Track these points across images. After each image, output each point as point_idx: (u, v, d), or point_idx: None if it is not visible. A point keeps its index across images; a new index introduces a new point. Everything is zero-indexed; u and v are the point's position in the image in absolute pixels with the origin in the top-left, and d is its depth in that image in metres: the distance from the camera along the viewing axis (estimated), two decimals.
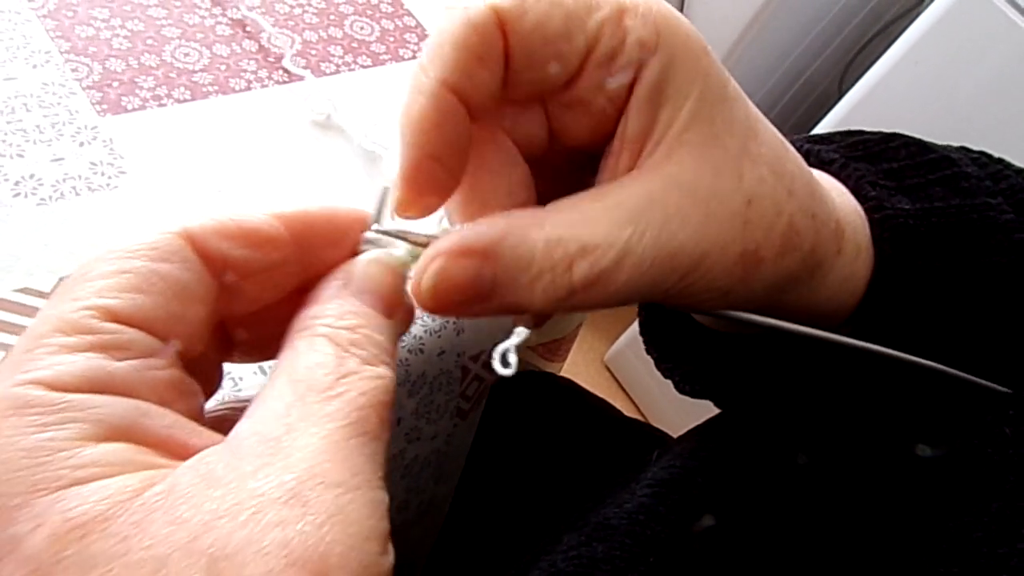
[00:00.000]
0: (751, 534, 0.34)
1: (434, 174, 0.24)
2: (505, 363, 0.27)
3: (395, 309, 0.23)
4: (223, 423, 0.24)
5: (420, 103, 0.23)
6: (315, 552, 0.16)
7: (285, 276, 0.24)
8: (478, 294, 0.23)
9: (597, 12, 0.23)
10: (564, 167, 0.28)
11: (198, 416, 0.21)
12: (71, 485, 0.17)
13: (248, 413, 0.20)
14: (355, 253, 0.25)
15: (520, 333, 0.27)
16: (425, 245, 0.24)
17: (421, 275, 0.23)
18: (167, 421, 0.19)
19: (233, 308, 0.23)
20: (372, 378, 0.20)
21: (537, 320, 0.30)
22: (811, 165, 0.32)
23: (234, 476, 0.17)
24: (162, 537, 0.16)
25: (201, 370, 0.23)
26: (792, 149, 0.27)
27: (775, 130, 0.27)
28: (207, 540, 0.16)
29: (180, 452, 0.19)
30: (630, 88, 0.24)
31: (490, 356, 0.32)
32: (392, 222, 0.26)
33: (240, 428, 0.19)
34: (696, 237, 0.24)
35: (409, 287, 0.24)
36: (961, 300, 0.30)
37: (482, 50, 0.23)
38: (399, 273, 0.24)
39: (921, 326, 0.30)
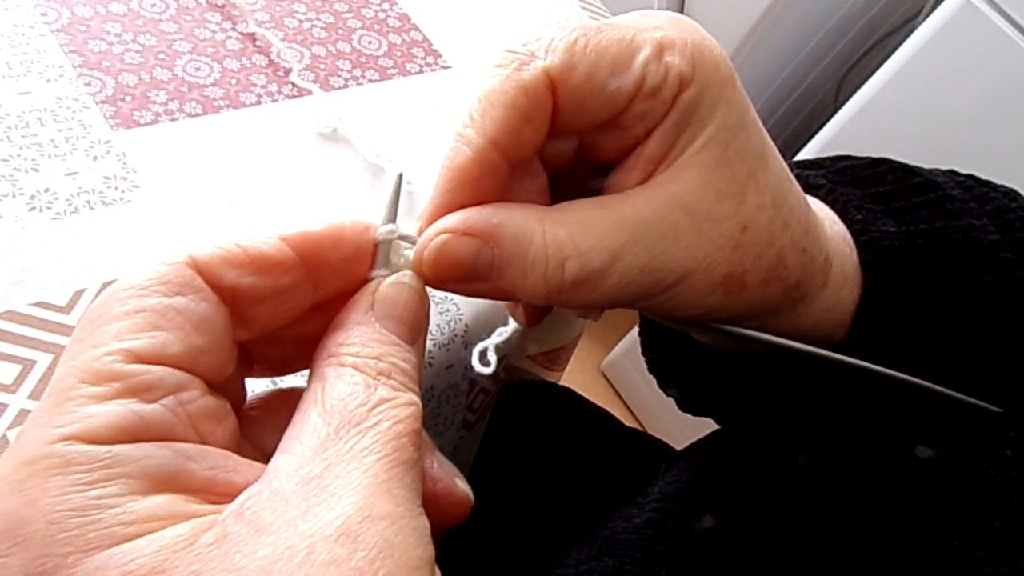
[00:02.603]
0: (752, 535, 0.34)
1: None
2: (484, 361, 0.27)
3: (418, 334, 0.24)
4: (249, 423, 0.24)
5: (465, 155, 0.24)
6: None
7: (296, 298, 0.24)
8: (476, 273, 0.24)
9: (640, 53, 0.24)
10: (580, 174, 0.29)
11: (236, 436, 0.22)
12: (123, 541, 0.17)
13: (282, 447, 0.20)
14: (369, 260, 0.25)
15: (501, 332, 0.27)
16: None
17: (424, 247, 0.24)
18: (208, 463, 0.19)
19: (248, 333, 0.23)
20: (404, 405, 0.21)
21: (529, 319, 0.30)
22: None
23: (283, 521, 0.18)
24: None
25: (228, 389, 0.23)
26: (796, 184, 0.28)
27: (783, 164, 0.28)
28: None
29: (224, 492, 0.19)
30: (664, 114, 0.25)
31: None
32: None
33: (279, 465, 0.19)
34: (686, 254, 0.25)
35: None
36: (950, 319, 0.30)
37: (532, 112, 0.24)
38: (422, 295, 0.24)
39: (912, 346, 0.31)
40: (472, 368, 0.27)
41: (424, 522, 0.19)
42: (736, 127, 0.25)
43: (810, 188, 0.33)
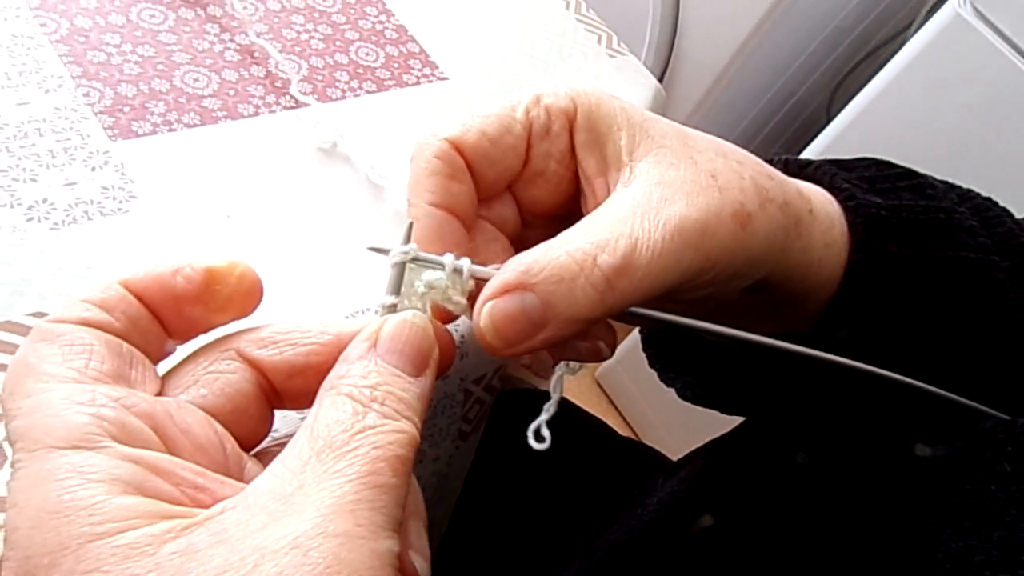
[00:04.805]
0: (750, 533, 0.35)
1: None
2: (539, 438, 0.29)
3: (423, 366, 0.24)
4: (267, 457, 0.25)
5: (421, 225, 0.29)
6: None
7: (187, 309, 0.26)
8: (533, 320, 0.26)
9: (520, 104, 0.30)
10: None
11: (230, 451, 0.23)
12: (91, 541, 0.18)
13: (269, 468, 0.21)
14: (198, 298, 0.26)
15: (548, 410, 0.29)
16: (442, 267, 0.28)
17: (477, 322, 0.26)
18: (175, 479, 0.20)
19: (175, 336, 0.26)
20: (390, 432, 0.21)
21: (609, 343, 0.32)
22: (788, 172, 0.34)
23: (243, 533, 0.18)
24: None
25: (246, 419, 0.25)
26: (725, 141, 0.31)
27: (703, 133, 0.31)
28: None
29: (199, 500, 0.20)
30: (572, 144, 0.30)
31: (492, 379, 0.32)
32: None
33: (258, 483, 0.20)
34: (689, 213, 0.27)
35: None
36: (933, 295, 0.31)
37: (451, 170, 0.29)
38: (427, 331, 0.25)
39: (900, 316, 0.32)
40: (495, 390, 0.28)
41: (389, 546, 0.19)
42: (643, 121, 0.29)
43: (799, 167, 0.35)
